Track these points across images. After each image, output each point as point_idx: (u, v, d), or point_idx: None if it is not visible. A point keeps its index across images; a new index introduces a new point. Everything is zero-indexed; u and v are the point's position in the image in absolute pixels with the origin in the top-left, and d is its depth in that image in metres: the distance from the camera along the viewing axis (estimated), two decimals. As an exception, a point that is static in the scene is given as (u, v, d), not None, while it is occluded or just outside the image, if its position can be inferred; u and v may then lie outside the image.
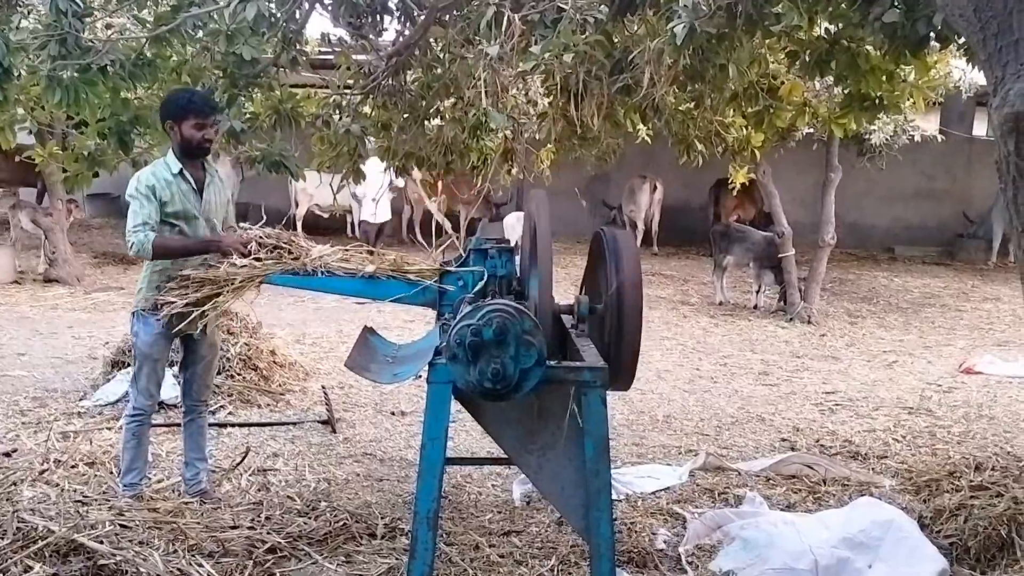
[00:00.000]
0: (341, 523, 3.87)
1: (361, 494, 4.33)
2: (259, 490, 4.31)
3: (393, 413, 5.71)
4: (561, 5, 3.72)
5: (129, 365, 5.83)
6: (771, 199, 9.63)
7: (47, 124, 4.83)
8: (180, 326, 3.53)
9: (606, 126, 4.53)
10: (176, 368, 4.83)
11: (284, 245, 3.47)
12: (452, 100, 4.97)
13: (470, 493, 4.42)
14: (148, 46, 4.04)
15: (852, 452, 5.14)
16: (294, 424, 5.37)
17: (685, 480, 4.55)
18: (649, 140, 5.91)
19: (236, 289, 3.38)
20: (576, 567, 3.56)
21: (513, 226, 12.50)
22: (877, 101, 4.18)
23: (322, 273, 3.43)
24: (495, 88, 3.56)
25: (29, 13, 3.87)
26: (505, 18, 3.57)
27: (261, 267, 3.41)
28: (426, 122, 5.17)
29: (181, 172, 3.73)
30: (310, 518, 3.93)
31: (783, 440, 5.37)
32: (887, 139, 10.04)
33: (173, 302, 3.45)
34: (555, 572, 3.54)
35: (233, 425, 5.28)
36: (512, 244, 3.80)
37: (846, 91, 4.26)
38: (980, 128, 17.28)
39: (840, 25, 3.82)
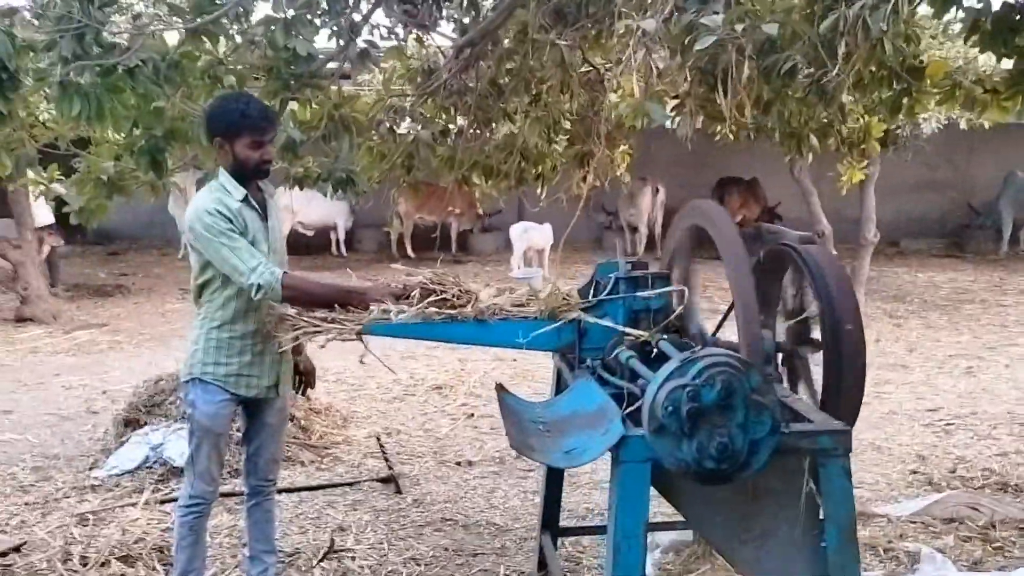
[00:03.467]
0: (457, 624, 3.12)
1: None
2: (339, 582, 3.53)
3: (459, 463, 4.94)
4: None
5: (145, 424, 5.01)
6: (809, 196, 9.03)
7: (50, 144, 3.95)
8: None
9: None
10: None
11: (451, 293, 2.73)
12: (529, 98, 4.23)
13: (589, 568, 3.68)
14: (185, 42, 3.24)
15: (1000, 483, 4.49)
16: (350, 485, 4.58)
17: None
18: (751, 137, 5.17)
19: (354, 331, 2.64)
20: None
21: (520, 236, 11.69)
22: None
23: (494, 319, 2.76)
24: (648, 72, 2.86)
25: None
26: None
27: (411, 313, 2.67)
28: (494, 125, 4.43)
29: (247, 198, 2.94)
30: (416, 619, 3.17)
31: (913, 472, 4.70)
32: (914, 129, 9.56)
33: (298, 325, 2.68)
34: None
35: (280, 491, 4.45)
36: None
37: (1019, 68, 3.63)
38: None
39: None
